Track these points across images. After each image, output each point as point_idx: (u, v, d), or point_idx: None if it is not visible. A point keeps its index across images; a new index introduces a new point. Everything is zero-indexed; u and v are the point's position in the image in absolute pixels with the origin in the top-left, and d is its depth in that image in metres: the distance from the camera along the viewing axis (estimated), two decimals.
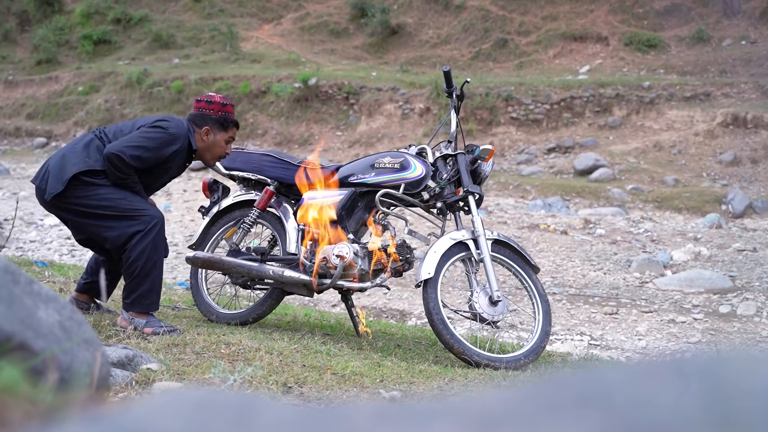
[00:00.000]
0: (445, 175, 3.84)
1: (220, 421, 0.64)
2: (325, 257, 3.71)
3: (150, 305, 3.52)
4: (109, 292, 4.01)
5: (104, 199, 3.48)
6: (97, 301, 3.92)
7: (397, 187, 3.80)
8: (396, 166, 3.83)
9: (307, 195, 3.96)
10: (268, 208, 4.08)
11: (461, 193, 3.80)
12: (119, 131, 3.65)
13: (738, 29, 18.47)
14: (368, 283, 3.74)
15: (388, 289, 4.22)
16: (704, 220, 10.58)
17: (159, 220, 3.53)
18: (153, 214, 3.52)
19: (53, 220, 9.53)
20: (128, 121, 3.80)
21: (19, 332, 1.12)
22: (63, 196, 3.46)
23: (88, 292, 3.88)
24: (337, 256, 3.67)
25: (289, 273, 3.76)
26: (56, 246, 8.06)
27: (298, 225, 3.94)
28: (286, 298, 4.19)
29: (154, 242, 3.49)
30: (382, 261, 3.73)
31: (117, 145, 3.51)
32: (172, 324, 3.67)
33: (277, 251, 4.09)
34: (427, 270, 3.60)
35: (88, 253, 7.79)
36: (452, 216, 3.89)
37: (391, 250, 3.74)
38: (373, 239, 3.81)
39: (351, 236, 3.82)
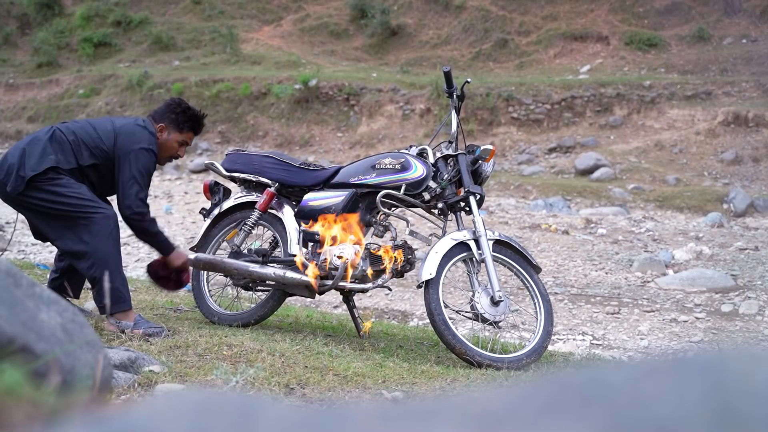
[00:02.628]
0: (446, 176, 3.84)
1: (223, 422, 0.64)
2: (326, 258, 3.71)
3: (123, 302, 3.48)
4: (78, 289, 3.95)
5: (61, 195, 3.41)
6: (68, 299, 3.84)
7: (398, 188, 3.80)
8: (397, 166, 3.83)
9: (307, 196, 3.96)
10: (269, 210, 4.08)
11: (462, 193, 3.79)
12: (85, 133, 3.58)
13: (739, 28, 18.46)
14: (370, 284, 3.74)
15: (390, 290, 4.22)
16: (706, 219, 10.58)
17: (112, 218, 3.48)
18: (107, 213, 3.47)
19: None
20: (88, 121, 3.74)
21: (21, 335, 1.12)
22: (23, 193, 3.41)
23: (57, 290, 3.79)
24: (338, 257, 3.67)
25: (290, 274, 3.76)
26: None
27: (299, 226, 3.94)
28: (288, 299, 4.19)
29: (110, 240, 3.44)
30: (384, 263, 3.73)
31: (129, 201, 3.52)
32: (172, 326, 3.67)
33: (278, 252, 4.09)
34: (428, 270, 3.60)
35: None
36: (453, 216, 3.89)
37: (393, 251, 3.74)
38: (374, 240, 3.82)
39: (352, 237, 3.82)
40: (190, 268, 3.89)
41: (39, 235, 3.74)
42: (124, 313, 3.49)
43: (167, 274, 3.79)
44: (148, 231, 3.62)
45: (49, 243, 3.84)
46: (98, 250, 3.42)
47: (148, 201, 3.71)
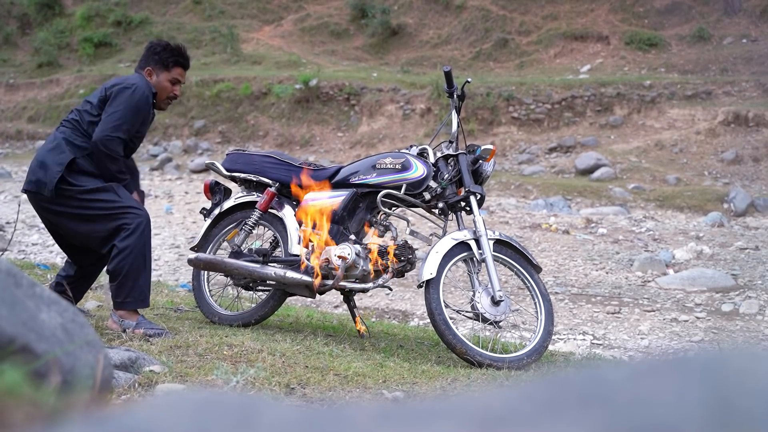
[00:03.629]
0: (446, 176, 3.84)
1: (223, 422, 0.64)
2: (327, 258, 3.71)
3: (142, 301, 3.53)
4: (78, 297, 3.95)
5: (93, 201, 3.50)
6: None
7: (398, 188, 3.80)
8: (397, 166, 3.83)
9: (308, 196, 3.96)
10: (269, 210, 4.08)
11: (463, 193, 3.79)
12: (84, 111, 3.64)
13: (739, 27, 18.45)
14: (370, 284, 3.74)
15: (390, 289, 4.22)
16: (706, 218, 10.57)
17: (144, 219, 3.54)
18: (138, 212, 3.54)
19: None
20: (84, 99, 3.79)
21: (22, 335, 1.12)
22: (58, 202, 3.49)
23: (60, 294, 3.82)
24: (339, 257, 3.67)
25: (291, 274, 3.76)
26: (58, 249, 8.05)
27: (300, 226, 3.94)
28: (288, 299, 4.19)
29: (141, 239, 3.50)
30: (382, 264, 3.73)
31: (103, 132, 3.49)
32: (173, 326, 3.67)
33: (279, 252, 4.09)
34: (429, 270, 3.60)
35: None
36: (454, 216, 3.89)
37: (391, 252, 3.74)
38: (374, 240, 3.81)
39: (353, 237, 3.83)
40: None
41: (67, 246, 3.81)
42: (128, 312, 3.51)
43: None
44: (108, 166, 3.56)
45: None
46: (131, 251, 3.47)
47: (149, 196, 3.73)
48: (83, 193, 3.50)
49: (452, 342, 3.51)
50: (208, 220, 4.19)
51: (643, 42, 18.60)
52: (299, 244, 3.91)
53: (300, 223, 3.95)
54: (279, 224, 4.04)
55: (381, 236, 3.94)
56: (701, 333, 5.61)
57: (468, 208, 3.83)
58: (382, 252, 3.74)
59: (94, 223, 3.52)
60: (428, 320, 4.43)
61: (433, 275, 3.59)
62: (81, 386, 1.16)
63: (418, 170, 3.80)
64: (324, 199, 3.90)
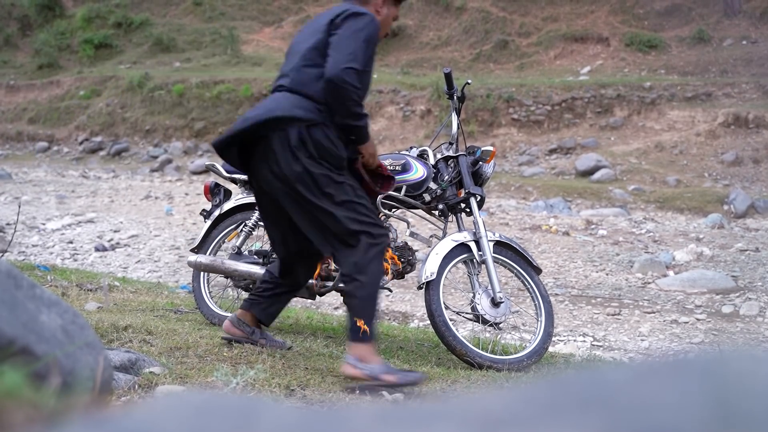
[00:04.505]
0: (446, 177, 3.84)
1: (223, 424, 0.64)
2: (326, 259, 3.71)
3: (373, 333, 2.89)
4: (273, 315, 3.37)
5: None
6: (262, 327, 3.33)
7: (398, 189, 3.80)
8: (397, 168, 3.83)
9: None
10: None
11: (463, 194, 3.80)
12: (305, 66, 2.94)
13: (739, 29, 18.46)
14: None
15: (390, 291, 4.22)
16: (706, 220, 10.57)
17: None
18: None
19: (55, 224, 9.53)
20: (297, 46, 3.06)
21: (22, 336, 1.12)
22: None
23: (252, 309, 3.24)
24: None
25: None
26: (58, 250, 8.07)
27: None
28: None
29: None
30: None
31: (338, 63, 2.80)
32: (173, 328, 3.66)
33: None
34: (429, 272, 3.60)
35: (91, 257, 7.80)
36: (454, 218, 3.89)
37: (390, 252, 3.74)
38: None
39: None
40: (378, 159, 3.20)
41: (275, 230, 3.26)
42: (368, 347, 2.88)
43: (370, 175, 3.16)
44: (349, 107, 2.91)
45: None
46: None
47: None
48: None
49: (452, 343, 3.51)
50: (208, 222, 4.19)
51: (643, 43, 18.62)
52: None
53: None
54: None
55: None
56: (701, 335, 5.61)
57: (468, 210, 3.83)
58: None
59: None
60: (428, 322, 4.43)
61: (433, 277, 3.59)
62: (81, 388, 1.16)
63: (418, 172, 3.80)
64: None
